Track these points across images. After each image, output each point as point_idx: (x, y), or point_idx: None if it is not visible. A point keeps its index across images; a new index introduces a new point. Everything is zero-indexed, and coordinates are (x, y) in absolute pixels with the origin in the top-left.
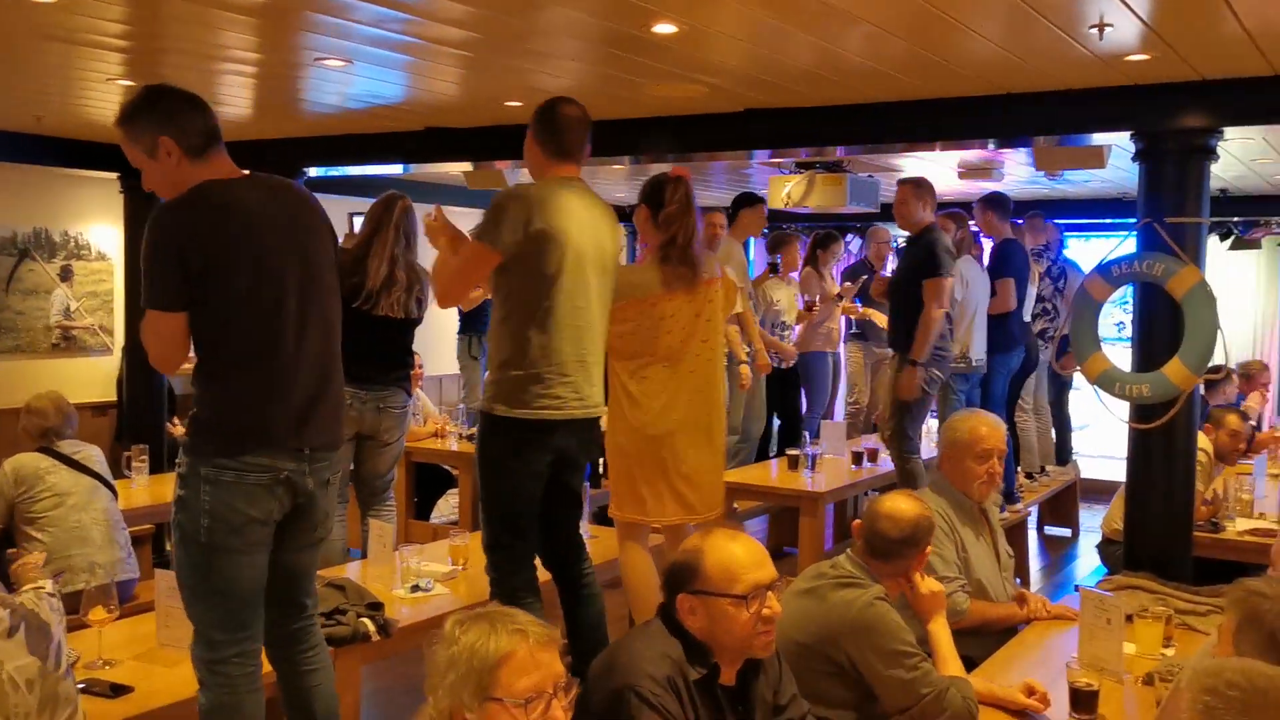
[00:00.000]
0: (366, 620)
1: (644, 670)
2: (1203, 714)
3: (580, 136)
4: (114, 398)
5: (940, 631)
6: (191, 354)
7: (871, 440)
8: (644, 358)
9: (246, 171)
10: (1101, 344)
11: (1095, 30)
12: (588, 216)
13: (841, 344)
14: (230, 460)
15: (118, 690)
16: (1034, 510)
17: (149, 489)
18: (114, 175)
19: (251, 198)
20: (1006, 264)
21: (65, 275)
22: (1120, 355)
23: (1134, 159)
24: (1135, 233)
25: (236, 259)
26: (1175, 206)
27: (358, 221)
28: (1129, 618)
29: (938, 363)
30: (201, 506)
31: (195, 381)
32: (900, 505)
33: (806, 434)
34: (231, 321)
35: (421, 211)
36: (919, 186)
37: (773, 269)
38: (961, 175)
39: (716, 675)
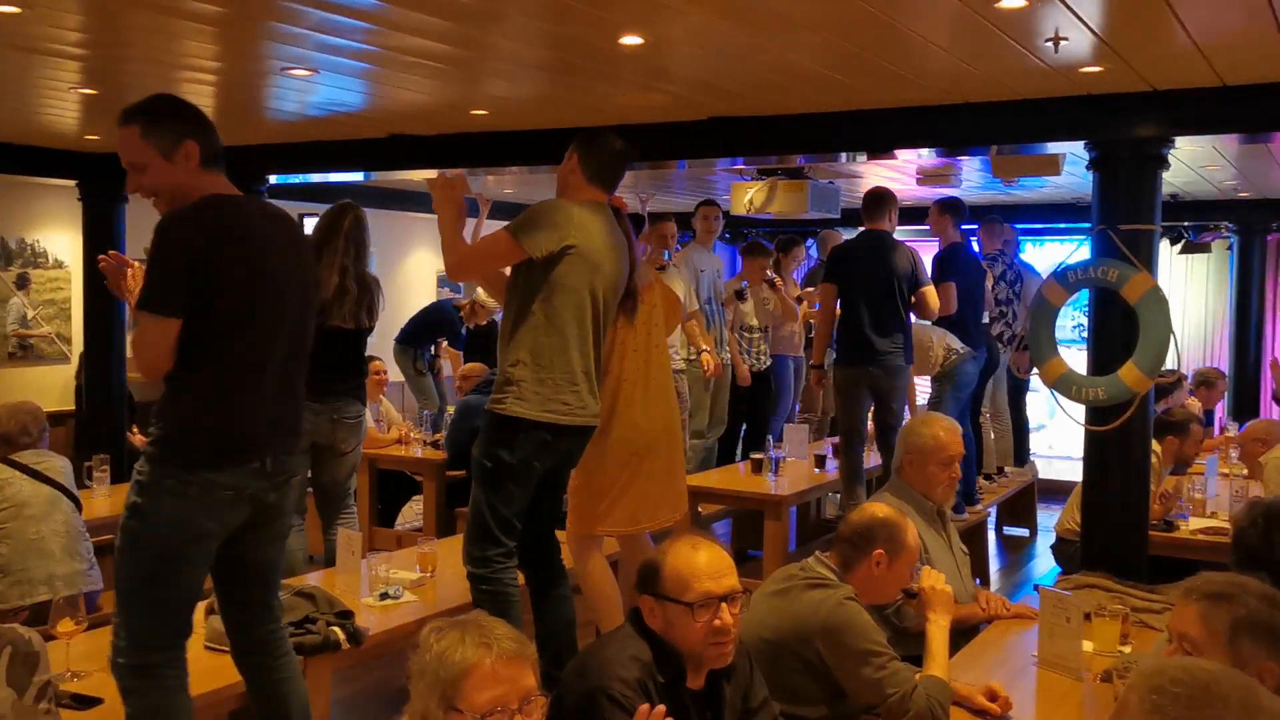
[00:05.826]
0: (337, 629)
1: (615, 673)
2: (1152, 712)
3: (620, 171)
4: (72, 406)
5: (935, 630)
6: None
7: (831, 444)
8: (611, 378)
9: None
10: (1059, 347)
11: (1050, 44)
12: (611, 242)
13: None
14: (197, 475)
15: (86, 702)
16: (993, 511)
17: (111, 499)
18: (72, 183)
19: (256, 218)
20: (949, 268)
21: (22, 283)
22: (1078, 358)
23: (1088, 167)
24: (1090, 239)
25: (244, 276)
26: (1129, 213)
27: (309, 223)
28: (1087, 616)
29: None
30: (163, 517)
31: (171, 392)
32: (863, 509)
33: (770, 438)
34: (226, 337)
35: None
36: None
37: (738, 295)
38: (920, 181)
39: (682, 680)
